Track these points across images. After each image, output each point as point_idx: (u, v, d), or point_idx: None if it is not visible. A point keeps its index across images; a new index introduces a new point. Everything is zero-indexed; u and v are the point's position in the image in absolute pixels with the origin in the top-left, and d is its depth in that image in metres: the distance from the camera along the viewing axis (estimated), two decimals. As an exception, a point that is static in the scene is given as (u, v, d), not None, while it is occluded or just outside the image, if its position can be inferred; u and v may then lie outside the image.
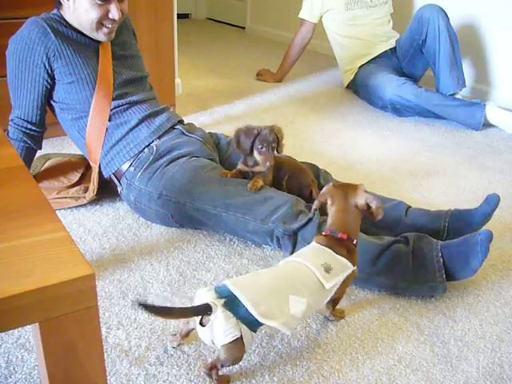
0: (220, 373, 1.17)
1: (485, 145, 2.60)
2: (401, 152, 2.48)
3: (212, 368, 1.15)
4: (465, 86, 2.94)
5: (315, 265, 1.21)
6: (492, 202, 1.59)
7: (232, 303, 1.09)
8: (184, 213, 1.69)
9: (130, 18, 1.95)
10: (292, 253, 1.56)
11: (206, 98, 3.13)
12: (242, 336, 1.09)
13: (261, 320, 1.09)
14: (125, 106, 1.80)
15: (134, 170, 1.75)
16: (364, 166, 2.30)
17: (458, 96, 2.91)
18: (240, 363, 1.20)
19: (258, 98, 3.16)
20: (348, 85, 3.29)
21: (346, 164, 2.30)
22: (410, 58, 3.06)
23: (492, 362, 1.27)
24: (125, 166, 1.77)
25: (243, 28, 5.24)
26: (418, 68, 3.10)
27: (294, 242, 1.55)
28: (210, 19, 5.78)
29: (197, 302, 1.12)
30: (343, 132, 2.70)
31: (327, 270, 1.21)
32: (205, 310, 1.09)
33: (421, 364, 1.26)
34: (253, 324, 1.11)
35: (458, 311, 1.44)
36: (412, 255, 1.46)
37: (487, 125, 2.75)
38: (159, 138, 1.79)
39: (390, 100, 2.85)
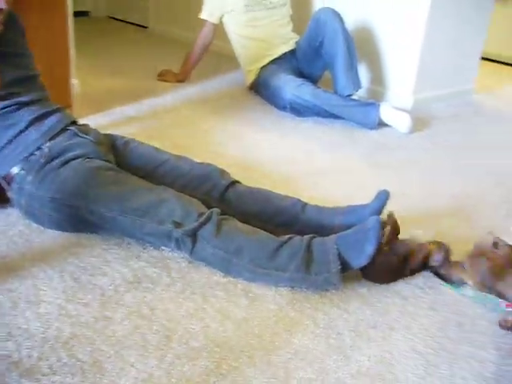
0: None
1: (379, 143, 2.71)
2: (299, 151, 2.55)
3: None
4: (361, 87, 3.06)
5: None
6: (382, 197, 1.66)
7: None
8: (78, 216, 1.63)
9: (19, 16, 1.86)
10: (191, 253, 1.56)
11: (105, 98, 3.05)
12: None
13: None
14: (13, 107, 1.71)
15: (25, 173, 1.67)
16: (264, 166, 2.33)
17: (354, 97, 3.02)
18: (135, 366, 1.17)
19: (160, 99, 3.11)
20: (250, 86, 3.32)
21: (246, 164, 2.32)
22: (308, 59, 3.14)
23: (383, 350, 1.33)
24: (15, 170, 1.68)
25: (146, 27, 5.15)
26: (316, 69, 3.19)
27: (193, 242, 1.54)
28: (112, 18, 5.63)
29: None
30: (244, 133, 2.73)
31: None
32: None
33: (316, 356, 1.30)
34: None
35: (351, 303, 1.49)
36: (308, 249, 1.50)
37: (382, 124, 2.88)
38: (50, 139, 1.72)
39: (289, 100, 2.91)
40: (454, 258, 1.55)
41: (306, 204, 1.74)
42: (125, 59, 3.99)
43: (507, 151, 2.75)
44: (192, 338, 1.32)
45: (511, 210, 2.09)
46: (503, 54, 4.39)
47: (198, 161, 1.87)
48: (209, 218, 1.54)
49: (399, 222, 1.60)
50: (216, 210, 1.57)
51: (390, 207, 1.74)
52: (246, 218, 1.65)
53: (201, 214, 1.55)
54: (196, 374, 1.22)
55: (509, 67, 4.42)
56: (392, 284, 1.58)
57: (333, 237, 1.53)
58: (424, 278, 1.61)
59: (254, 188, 1.80)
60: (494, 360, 1.32)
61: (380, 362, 1.29)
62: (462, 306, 1.52)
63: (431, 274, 1.58)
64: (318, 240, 1.53)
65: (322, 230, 1.62)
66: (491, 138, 2.91)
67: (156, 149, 1.89)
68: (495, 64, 4.45)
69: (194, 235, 1.53)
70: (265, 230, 1.59)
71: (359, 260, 1.50)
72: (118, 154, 1.85)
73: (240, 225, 1.58)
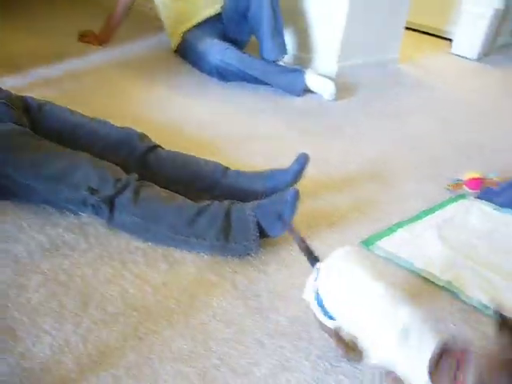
0: None
1: (303, 110, 2.74)
2: (223, 116, 2.53)
3: None
4: (286, 53, 3.06)
5: None
6: (302, 161, 1.69)
7: None
8: (-9, 183, 1.56)
9: None
10: (109, 220, 1.53)
11: (23, 60, 2.89)
12: None
13: None
14: None
15: None
16: (187, 131, 2.30)
17: (280, 63, 3.02)
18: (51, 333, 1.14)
19: (80, 61, 2.99)
20: (176, 49, 3.25)
21: (169, 129, 2.29)
22: (234, 23, 3.10)
23: (299, 310, 1.37)
24: None
25: (67, -13, 4.90)
26: (242, 34, 3.16)
27: (110, 209, 1.51)
28: (30, -25, 5.32)
29: None
30: (168, 97, 2.68)
31: None
32: None
33: (234, 317, 1.32)
34: None
35: (271, 265, 1.52)
36: (227, 216, 1.50)
37: (307, 91, 2.90)
38: (-43, 103, 1.63)
39: (214, 65, 2.87)
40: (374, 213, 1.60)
41: (227, 169, 1.74)
42: (45, 20, 3.78)
43: (424, 117, 2.85)
44: (109, 303, 1.31)
45: (426, 174, 2.18)
46: (426, 23, 4.50)
47: (118, 125, 1.82)
48: (126, 185, 1.51)
49: (319, 186, 1.63)
50: (134, 176, 1.55)
51: (310, 172, 1.78)
52: (166, 183, 1.64)
53: (118, 180, 1.52)
54: (113, 339, 1.21)
55: (432, 37, 4.55)
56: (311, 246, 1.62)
57: (252, 204, 1.55)
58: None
59: (174, 152, 1.78)
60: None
61: (296, 321, 1.33)
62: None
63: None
64: (237, 207, 1.54)
65: (244, 195, 1.64)
66: (410, 105, 3.01)
67: (72, 112, 1.82)
68: (419, 34, 4.56)
69: (110, 202, 1.50)
70: (185, 195, 1.58)
71: (276, 230, 1.53)
72: (31, 117, 1.77)
73: (159, 191, 1.56)
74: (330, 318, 1.13)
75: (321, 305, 1.14)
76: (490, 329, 1.34)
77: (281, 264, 1.53)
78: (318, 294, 1.14)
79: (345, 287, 1.10)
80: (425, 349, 0.91)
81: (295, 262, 1.54)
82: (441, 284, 1.49)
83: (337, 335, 1.15)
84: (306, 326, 1.32)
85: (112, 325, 1.25)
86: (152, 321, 1.28)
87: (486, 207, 1.96)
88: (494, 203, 1.97)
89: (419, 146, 2.45)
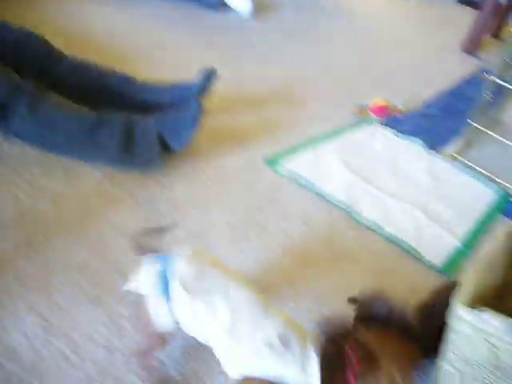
0: None
1: (219, 25, 2.67)
2: (136, 26, 2.42)
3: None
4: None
5: None
6: (208, 75, 1.66)
7: None
8: None
9: None
10: (3, 126, 1.45)
11: None
12: None
13: None
14: None
15: None
16: (97, 40, 2.18)
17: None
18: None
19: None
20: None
21: (79, 38, 2.16)
22: None
23: (200, 224, 1.38)
24: None
25: None
26: None
27: (4, 117, 1.42)
28: None
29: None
30: (83, 4, 2.51)
31: None
32: None
33: (132, 228, 1.31)
34: None
35: (174, 180, 1.51)
36: (130, 129, 1.46)
37: (225, 6, 2.81)
38: None
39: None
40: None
41: (133, 80, 1.67)
42: None
43: (339, 43, 2.86)
44: (1, 211, 1.26)
45: (335, 99, 2.21)
46: None
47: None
48: (21, 92, 1.42)
49: (227, 103, 1.61)
50: (32, 84, 1.45)
51: (219, 88, 1.75)
52: (69, 91, 1.55)
53: (15, 88, 1.42)
54: (4, 250, 1.18)
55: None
56: (213, 159, 1.62)
57: (155, 117, 1.51)
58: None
59: (80, 61, 1.68)
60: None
61: (193, 235, 1.34)
62: (277, 185, 1.61)
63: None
64: (140, 119, 1.50)
65: (149, 107, 1.59)
66: (328, 30, 3.00)
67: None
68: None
69: (4, 109, 1.41)
70: (89, 105, 1.51)
71: (179, 143, 1.51)
72: None
73: (57, 99, 1.48)
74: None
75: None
76: (379, 246, 1.43)
77: (184, 178, 1.52)
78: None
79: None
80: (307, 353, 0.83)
81: (197, 178, 1.54)
82: (340, 205, 1.55)
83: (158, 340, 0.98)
84: (203, 236, 1.34)
85: (3, 233, 1.21)
86: (46, 230, 1.24)
87: (389, 134, 2.03)
88: (397, 131, 2.04)
89: (331, 71, 2.47)
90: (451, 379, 0.93)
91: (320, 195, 1.58)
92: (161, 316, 0.91)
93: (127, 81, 1.66)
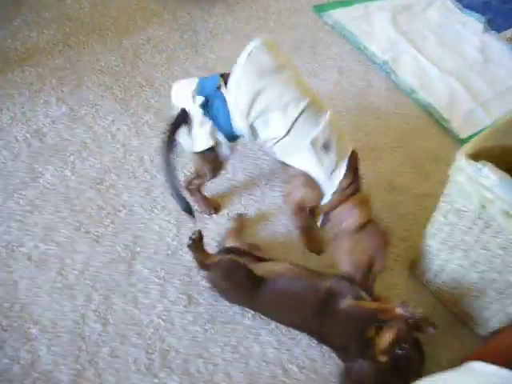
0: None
1: None
2: None
3: (190, 183, 1.01)
4: None
5: None
6: None
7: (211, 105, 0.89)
8: None
9: None
10: None
11: None
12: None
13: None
14: None
15: None
16: None
17: None
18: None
19: None
20: None
21: None
22: None
23: (229, 52, 1.35)
24: None
25: None
26: None
27: None
28: None
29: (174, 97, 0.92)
30: None
31: None
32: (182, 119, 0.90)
33: (168, 46, 1.33)
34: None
35: (216, 8, 1.49)
36: None
37: None
38: None
39: None
40: None
41: None
42: None
43: None
44: (44, 8, 1.29)
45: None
46: None
47: None
48: None
49: None
50: None
51: None
52: None
53: None
54: (43, 42, 1.22)
55: None
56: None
57: None
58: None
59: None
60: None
61: (223, 61, 1.34)
62: (319, 32, 1.57)
63: None
64: None
65: None
66: None
67: None
68: None
69: None
70: None
71: None
72: None
73: None
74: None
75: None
76: (409, 109, 1.41)
77: (226, 9, 1.50)
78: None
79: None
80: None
81: (240, 11, 1.51)
82: (378, 62, 1.52)
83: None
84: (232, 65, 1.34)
85: (43, 28, 1.25)
86: (84, 33, 1.28)
87: (451, 5, 1.91)
88: (462, 5, 1.92)
89: None
90: (441, 229, 0.96)
91: (361, 50, 1.54)
92: (201, 135, 0.90)
93: None
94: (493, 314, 0.93)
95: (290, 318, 0.89)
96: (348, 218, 0.90)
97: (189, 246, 0.89)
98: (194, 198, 1.02)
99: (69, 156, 1.06)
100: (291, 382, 0.84)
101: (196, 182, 0.99)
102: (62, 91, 1.16)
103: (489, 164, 0.85)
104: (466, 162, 0.87)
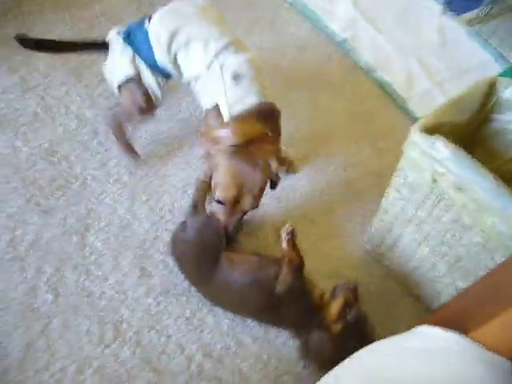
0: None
1: None
2: None
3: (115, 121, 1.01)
4: None
5: None
6: None
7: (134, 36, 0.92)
8: None
9: None
10: None
11: None
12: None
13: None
14: None
15: None
16: None
17: None
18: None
19: None
20: None
21: None
22: None
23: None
24: None
25: None
26: None
27: None
28: None
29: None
30: None
31: None
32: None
33: (122, 19, 1.29)
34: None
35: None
36: None
37: None
38: None
39: None
40: None
41: None
42: None
43: None
44: None
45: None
46: None
47: None
48: None
49: None
50: None
51: None
52: None
53: None
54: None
55: None
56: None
57: None
58: None
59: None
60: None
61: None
62: (279, 11, 1.56)
63: None
64: None
65: None
66: None
67: None
68: None
69: None
70: None
71: None
72: None
73: None
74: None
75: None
76: (366, 88, 1.42)
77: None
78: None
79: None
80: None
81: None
82: (337, 39, 1.52)
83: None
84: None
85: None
86: (38, 1, 1.23)
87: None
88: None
89: None
90: (395, 204, 0.98)
91: (321, 28, 1.54)
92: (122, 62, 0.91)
93: None
94: (444, 288, 0.95)
95: (238, 309, 0.88)
96: (224, 138, 0.85)
97: (198, 179, 0.90)
98: (117, 141, 1.02)
99: (20, 127, 1.03)
100: (245, 353, 0.85)
101: (123, 119, 0.99)
102: (14, 60, 1.12)
103: (442, 138, 0.86)
104: (419, 136, 0.88)
